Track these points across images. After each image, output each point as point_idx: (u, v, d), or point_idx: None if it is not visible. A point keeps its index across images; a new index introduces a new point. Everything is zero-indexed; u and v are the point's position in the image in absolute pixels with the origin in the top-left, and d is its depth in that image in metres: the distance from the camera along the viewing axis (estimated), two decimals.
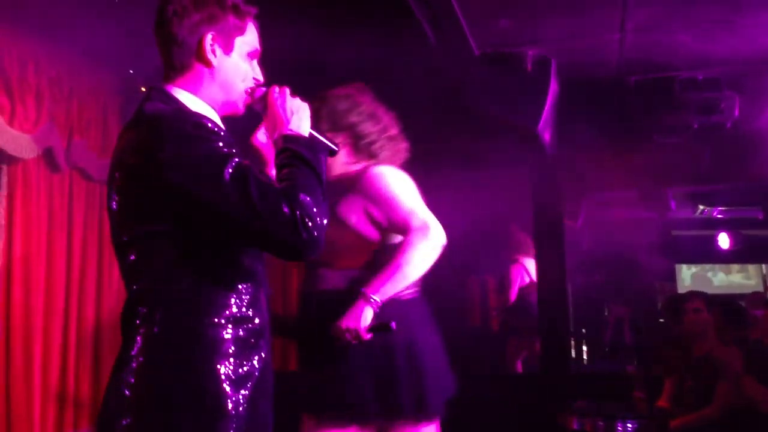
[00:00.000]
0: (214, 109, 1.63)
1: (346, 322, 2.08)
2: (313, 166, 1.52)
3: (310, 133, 1.65)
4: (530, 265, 6.15)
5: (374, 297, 2.09)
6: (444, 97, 4.23)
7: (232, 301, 1.49)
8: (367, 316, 2.08)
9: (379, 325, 2.04)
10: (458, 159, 5.03)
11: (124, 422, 1.40)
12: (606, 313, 7.25)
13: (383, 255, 2.21)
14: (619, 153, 4.56)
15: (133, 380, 1.42)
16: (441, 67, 3.94)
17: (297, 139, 1.58)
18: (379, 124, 2.34)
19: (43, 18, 3.50)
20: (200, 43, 1.59)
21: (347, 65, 3.19)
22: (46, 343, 3.85)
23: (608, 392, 4.20)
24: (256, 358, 1.50)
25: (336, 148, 1.71)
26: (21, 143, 3.59)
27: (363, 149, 2.32)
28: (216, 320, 1.46)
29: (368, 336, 2.09)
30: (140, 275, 1.50)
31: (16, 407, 3.61)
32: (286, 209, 1.39)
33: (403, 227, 2.19)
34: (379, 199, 2.23)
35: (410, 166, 2.38)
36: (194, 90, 1.61)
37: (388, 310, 2.11)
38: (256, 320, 1.53)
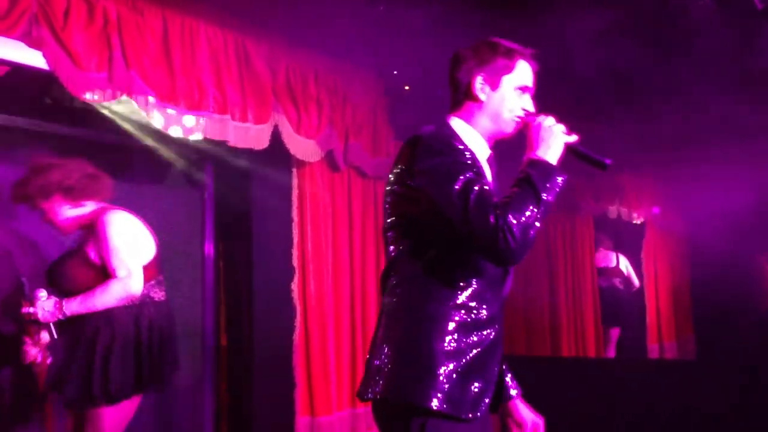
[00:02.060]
0: (484, 136, 1.94)
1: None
2: (537, 189, 1.73)
3: (577, 150, 1.87)
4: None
5: (65, 308, 2.85)
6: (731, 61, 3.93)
7: (457, 290, 1.78)
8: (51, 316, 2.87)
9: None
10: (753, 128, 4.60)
11: (376, 362, 1.81)
12: None
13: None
14: None
15: (378, 342, 1.83)
16: (724, 32, 3.66)
17: (536, 163, 1.79)
18: (79, 172, 2.96)
19: (321, 35, 3.89)
20: (470, 84, 1.92)
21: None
22: (337, 323, 4.31)
23: None
24: (473, 341, 1.77)
25: (606, 162, 1.86)
26: (307, 148, 4.04)
27: (76, 195, 2.96)
28: (440, 303, 1.77)
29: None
30: (393, 252, 1.88)
31: (316, 381, 4.09)
32: (491, 221, 1.66)
33: (111, 274, 2.86)
34: (101, 245, 2.87)
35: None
36: (468, 120, 1.94)
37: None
38: (478, 311, 1.79)
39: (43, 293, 2.90)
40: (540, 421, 1.98)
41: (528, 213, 1.69)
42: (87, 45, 2.87)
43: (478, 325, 1.78)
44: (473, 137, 1.91)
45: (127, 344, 2.94)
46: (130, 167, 4.14)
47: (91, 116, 3.23)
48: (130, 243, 2.94)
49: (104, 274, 2.91)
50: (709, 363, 5.25)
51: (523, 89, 1.93)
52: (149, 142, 3.75)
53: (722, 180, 5.40)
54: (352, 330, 4.44)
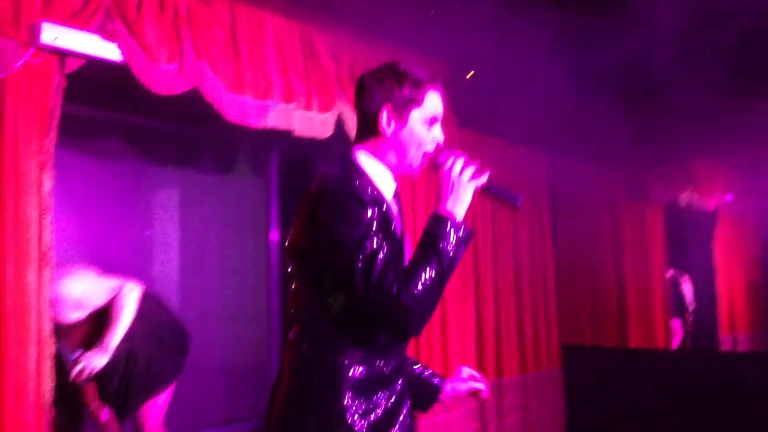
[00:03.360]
0: (390, 170, 1.84)
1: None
2: (442, 257, 1.65)
3: (489, 190, 1.77)
4: None
5: (109, 346, 3.04)
6: None
7: (365, 345, 1.72)
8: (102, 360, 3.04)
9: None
10: None
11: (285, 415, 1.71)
12: None
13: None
14: None
15: (280, 397, 1.73)
16: None
17: (443, 221, 1.71)
18: None
19: (384, 24, 3.88)
20: (377, 117, 1.80)
21: None
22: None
23: None
24: (385, 395, 1.73)
25: (518, 204, 1.78)
26: None
27: None
28: (349, 359, 1.70)
29: None
30: (295, 304, 1.79)
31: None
32: (394, 298, 1.59)
33: (110, 299, 3.13)
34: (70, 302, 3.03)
35: None
36: (374, 154, 1.83)
37: None
38: (387, 365, 1.75)
39: (78, 352, 3.02)
40: (480, 380, 2.06)
41: (431, 288, 1.63)
42: (158, 37, 2.95)
43: (388, 378, 1.75)
44: (380, 172, 1.82)
45: (149, 338, 3.17)
46: (197, 157, 4.24)
47: (159, 106, 3.32)
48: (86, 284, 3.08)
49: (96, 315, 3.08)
50: None
51: (433, 120, 1.83)
52: (216, 131, 3.83)
53: None
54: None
